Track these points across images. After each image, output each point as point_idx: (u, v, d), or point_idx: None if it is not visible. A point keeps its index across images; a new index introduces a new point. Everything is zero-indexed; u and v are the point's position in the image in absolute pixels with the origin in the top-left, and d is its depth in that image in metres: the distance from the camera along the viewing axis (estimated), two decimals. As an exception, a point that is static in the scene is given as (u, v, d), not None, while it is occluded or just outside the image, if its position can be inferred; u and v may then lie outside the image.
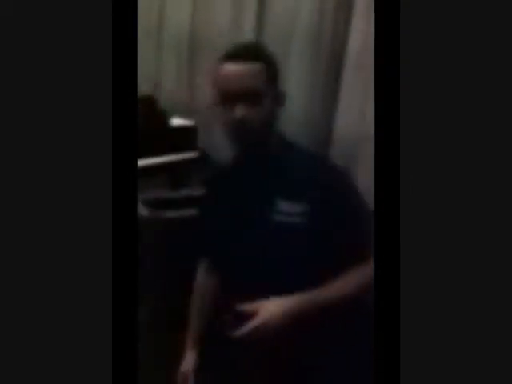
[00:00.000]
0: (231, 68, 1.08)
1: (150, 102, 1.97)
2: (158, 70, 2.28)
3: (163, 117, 1.99)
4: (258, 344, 1.02)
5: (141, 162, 1.77)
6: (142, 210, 1.60)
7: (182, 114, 2.10)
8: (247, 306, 1.00)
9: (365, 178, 1.38)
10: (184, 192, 1.80)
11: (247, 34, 1.86)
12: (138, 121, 0.79)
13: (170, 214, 1.72)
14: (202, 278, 1.32)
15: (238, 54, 1.09)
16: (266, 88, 1.09)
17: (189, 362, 1.26)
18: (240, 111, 1.06)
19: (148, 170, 1.88)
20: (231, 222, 1.17)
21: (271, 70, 1.10)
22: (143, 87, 1.98)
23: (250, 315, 0.99)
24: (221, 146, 1.85)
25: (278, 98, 1.14)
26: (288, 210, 1.09)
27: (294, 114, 1.80)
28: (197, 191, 1.48)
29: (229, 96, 1.07)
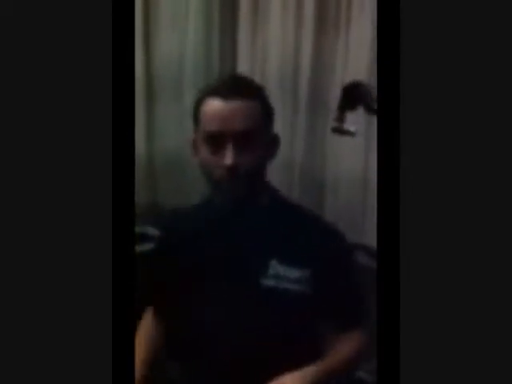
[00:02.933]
0: (219, 105, 0.93)
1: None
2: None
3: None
4: None
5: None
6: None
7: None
8: None
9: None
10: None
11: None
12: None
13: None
14: (149, 326, 1.14)
15: (228, 88, 0.95)
16: (260, 130, 0.95)
17: None
18: (230, 157, 0.91)
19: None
20: (215, 283, 1.02)
21: (265, 109, 0.97)
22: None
23: None
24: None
25: (272, 143, 1.02)
26: (282, 274, 0.97)
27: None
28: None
29: (217, 138, 0.93)
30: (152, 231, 1.89)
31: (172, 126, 1.99)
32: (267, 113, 0.98)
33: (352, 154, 1.66)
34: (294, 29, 1.78)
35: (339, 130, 1.04)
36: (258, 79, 1.79)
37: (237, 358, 0.97)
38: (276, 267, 0.97)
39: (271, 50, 1.82)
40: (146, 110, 2.01)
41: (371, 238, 1.11)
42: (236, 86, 0.97)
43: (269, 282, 0.97)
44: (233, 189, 0.95)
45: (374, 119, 0.89)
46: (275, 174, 1.38)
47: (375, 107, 0.93)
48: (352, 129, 1.03)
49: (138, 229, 1.82)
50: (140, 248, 1.75)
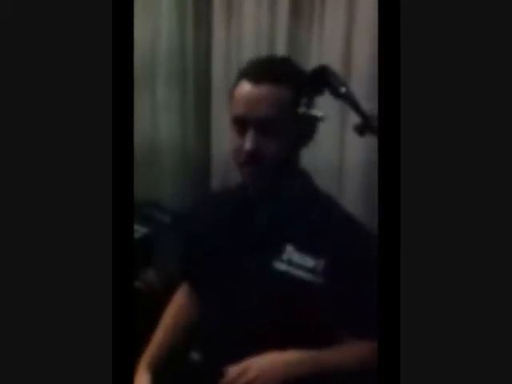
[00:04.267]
0: (248, 89, 0.91)
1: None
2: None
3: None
4: None
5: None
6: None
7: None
8: (236, 367, 0.89)
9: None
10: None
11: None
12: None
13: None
14: (182, 298, 1.21)
15: (256, 71, 0.93)
16: (289, 116, 0.90)
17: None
18: (250, 142, 0.90)
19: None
20: (229, 260, 1.02)
21: (298, 95, 0.92)
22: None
23: (240, 375, 0.88)
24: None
25: (307, 128, 0.97)
26: (295, 260, 0.95)
27: (167, 143, 1.95)
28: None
29: (241, 122, 0.92)
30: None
31: (145, 118, 1.98)
32: (299, 99, 0.91)
33: (327, 141, 1.65)
34: (269, 19, 1.77)
35: (306, 116, 1.02)
36: (233, 70, 1.79)
37: (239, 337, 0.97)
38: (290, 253, 0.96)
39: (246, 40, 1.80)
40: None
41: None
42: (268, 70, 0.93)
43: (280, 266, 0.96)
44: (255, 174, 0.95)
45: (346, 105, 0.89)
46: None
47: (342, 91, 0.92)
48: (319, 114, 1.01)
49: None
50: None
